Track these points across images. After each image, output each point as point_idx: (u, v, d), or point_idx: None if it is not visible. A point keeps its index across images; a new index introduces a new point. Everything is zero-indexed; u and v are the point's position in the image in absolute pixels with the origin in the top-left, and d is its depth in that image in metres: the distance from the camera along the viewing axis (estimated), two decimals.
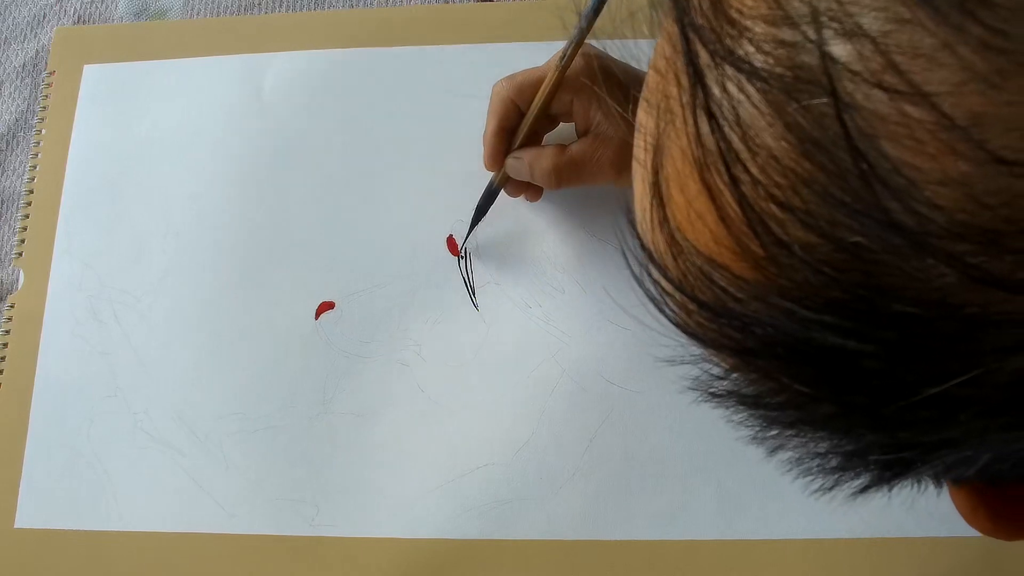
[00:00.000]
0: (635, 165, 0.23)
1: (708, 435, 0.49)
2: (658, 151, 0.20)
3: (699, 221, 0.19)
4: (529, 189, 0.52)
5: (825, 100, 0.16)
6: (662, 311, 0.21)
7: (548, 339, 0.52)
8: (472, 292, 0.53)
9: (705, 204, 0.19)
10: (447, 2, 0.60)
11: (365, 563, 0.49)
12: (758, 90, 0.17)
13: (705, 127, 0.18)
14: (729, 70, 0.17)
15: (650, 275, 0.21)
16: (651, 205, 0.21)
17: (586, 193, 0.54)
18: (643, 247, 0.22)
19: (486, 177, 0.52)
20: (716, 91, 0.18)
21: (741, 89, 0.17)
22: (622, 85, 0.47)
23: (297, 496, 0.51)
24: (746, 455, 0.49)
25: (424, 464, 0.51)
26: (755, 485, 0.48)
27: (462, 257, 0.54)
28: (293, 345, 0.53)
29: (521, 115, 0.50)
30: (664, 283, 0.21)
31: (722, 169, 0.18)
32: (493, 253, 0.54)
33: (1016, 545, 0.47)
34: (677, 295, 0.21)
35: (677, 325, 0.21)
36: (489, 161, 0.51)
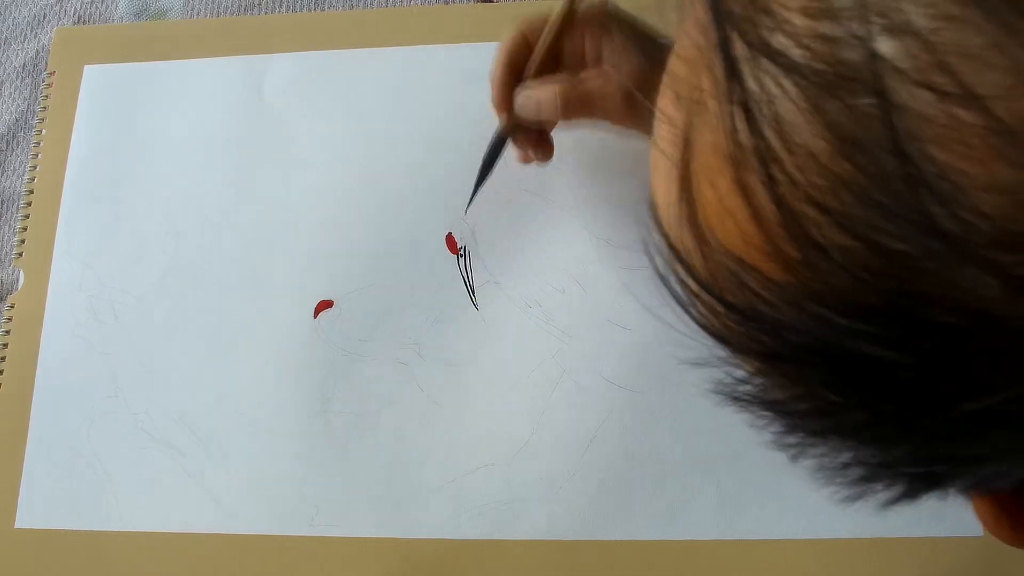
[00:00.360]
0: (656, 156, 0.22)
1: (708, 435, 0.49)
2: (687, 145, 0.20)
3: (730, 220, 0.18)
4: (538, 144, 0.50)
5: (872, 100, 0.15)
6: (688, 312, 0.21)
7: (548, 339, 0.52)
8: (472, 291, 0.53)
9: (737, 202, 0.18)
10: (447, 2, 0.60)
11: (365, 563, 0.49)
12: (796, 86, 0.16)
13: (741, 123, 0.17)
14: (765, 63, 0.17)
15: (676, 275, 0.21)
16: (679, 201, 0.20)
17: (587, 192, 0.54)
18: (669, 245, 0.21)
19: None
20: (752, 85, 0.17)
21: (778, 84, 0.16)
22: (633, 26, 0.45)
23: (297, 496, 0.51)
24: (746, 455, 0.49)
25: (424, 464, 0.50)
26: (755, 485, 0.48)
27: (461, 256, 0.54)
28: (293, 344, 0.53)
29: (531, 52, 0.47)
30: (691, 283, 0.20)
31: (758, 168, 0.17)
32: (493, 252, 0.54)
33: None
34: (705, 296, 0.20)
35: (703, 327, 0.20)
36: (498, 98, 0.48)
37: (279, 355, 0.53)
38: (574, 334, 0.52)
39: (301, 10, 0.61)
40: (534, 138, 0.49)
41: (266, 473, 0.51)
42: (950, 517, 0.47)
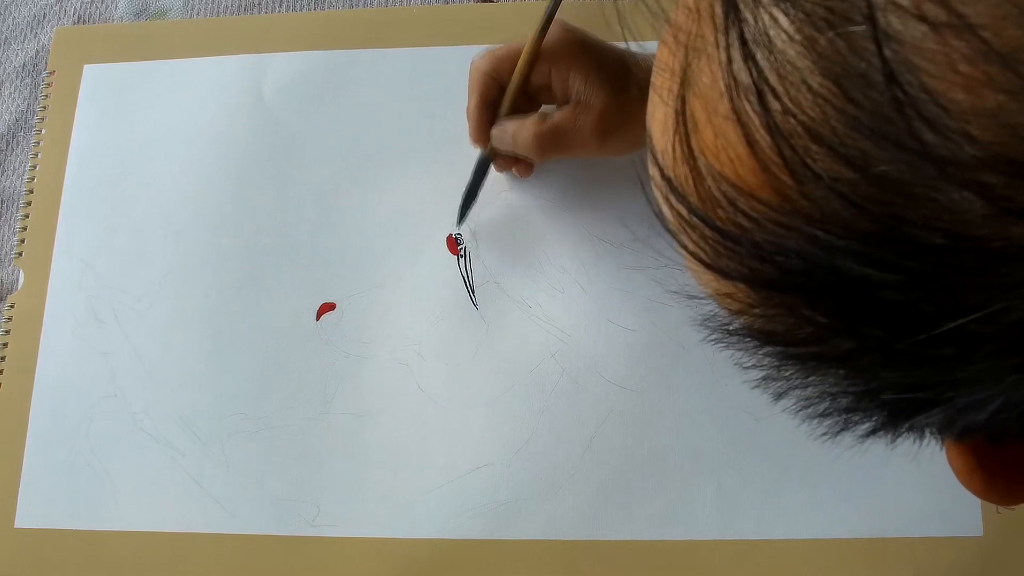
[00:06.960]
0: (653, 104, 0.22)
1: (708, 435, 0.49)
2: (684, 81, 0.20)
3: (725, 152, 0.19)
4: (518, 163, 0.53)
5: (862, 28, 0.16)
6: (680, 242, 0.21)
7: (548, 339, 0.52)
8: (472, 291, 0.53)
9: (734, 133, 0.18)
10: (447, 2, 0.60)
11: (365, 563, 0.49)
12: (793, 20, 0.17)
13: (737, 55, 0.18)
14: None
15: (671, 205, 0.21)
16: (675, 134, 0.21)
17: (586, 191, 0.54)
18: (664, 177, 0.22)
19: None
20: (750, 18, 0.18)
21: (775, 19, 0.17)
22: (598, 55, 0.48)
23: (297, 496, 0.51)
24: (746, 455, 0.49)
25: (424, 464, 0.50)
26: (755, 485, 0.48)
27: (462, 256, 0.54)
28: (294, 345, 0.53)
29: (502, 88, 0.50)
30: (685, 212, 0.21)
31: (753, 98, 0.18)
32: (493, 252, 0.54)
33: (1016, 545, 0.47)
34: (698, 224, 0.20)
35: (695, 256, 0.21)
36: (475, 134, 0.51)
37: (281, 356, 0.53)
38: (574, 334, 0.52)
39: (301, 10, 0.61)
40: (511, 160, 0.52)
41: (267, 473, 0.51)
42: (950, 517, 0.47)
